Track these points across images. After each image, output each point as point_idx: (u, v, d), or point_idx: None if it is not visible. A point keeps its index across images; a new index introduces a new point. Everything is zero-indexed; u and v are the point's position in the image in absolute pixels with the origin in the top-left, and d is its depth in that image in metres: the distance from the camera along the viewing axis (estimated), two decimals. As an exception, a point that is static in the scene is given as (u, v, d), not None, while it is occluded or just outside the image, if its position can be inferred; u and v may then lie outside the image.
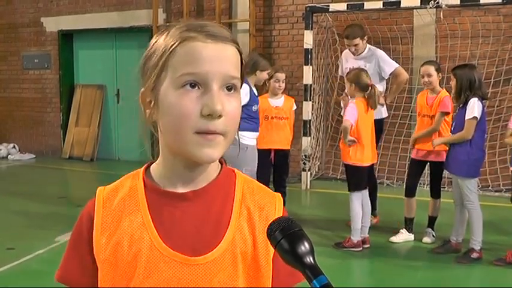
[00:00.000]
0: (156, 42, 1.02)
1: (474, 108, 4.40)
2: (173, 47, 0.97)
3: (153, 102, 1.01)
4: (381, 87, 5.36)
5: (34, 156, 10.39)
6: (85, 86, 10.28)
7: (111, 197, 1.05)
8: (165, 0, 9.17)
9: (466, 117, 4.43)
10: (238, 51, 1.02)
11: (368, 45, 5.62)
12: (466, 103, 4.45)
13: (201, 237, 1.01)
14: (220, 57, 0.97)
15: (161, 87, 0.99)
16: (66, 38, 10.27)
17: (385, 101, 5.53)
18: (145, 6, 9.25)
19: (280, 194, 1.12)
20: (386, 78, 5.58)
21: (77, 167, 9.44)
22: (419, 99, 5.08)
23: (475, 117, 4.41)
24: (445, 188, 6.11)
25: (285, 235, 0.86)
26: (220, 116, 0.95)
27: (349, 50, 5.59)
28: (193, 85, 0.96)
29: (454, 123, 4.66)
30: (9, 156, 10.37)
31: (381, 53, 5.61)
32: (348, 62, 5.67)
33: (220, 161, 1.08)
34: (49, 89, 10.44)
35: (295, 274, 0.92)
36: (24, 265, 4.50)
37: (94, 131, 10.04)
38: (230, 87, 0.98)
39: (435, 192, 5.05)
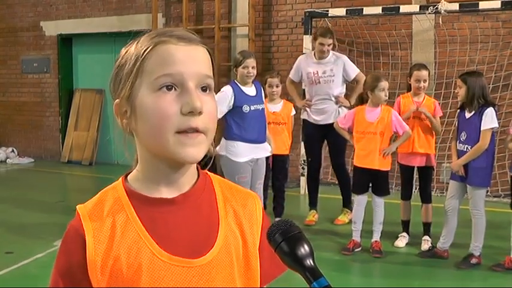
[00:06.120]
0: (127, 52, 1.03)
1: (494, 118, 4.38)
2: (146, 51, 0.98)
3: (129, 112, 1.01)
4: (343, 90, 5.75)
5: (33, 160, 10.38)
6: (84, 90, 10.28)
7: (97, 213, 1.02)
8: (164, 5, 9.18)
9: (484, 127, 4.35)
10: (208, 52, 1.03)
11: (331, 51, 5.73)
12: (478, 112, 4.39)
13: (197, 238, 1.02)
14: (193, 58, 0.99)
15: (137, 94, 0.99)
16: (66, 42, 10.28)
17: (350, 103, 5.60)
18: (144, 11, 9.26)
19: (256, 193, 1.13)
20: (349, 81, 5.81)
21: (75, 171, 9.43)
22: (405, 102, 5.01)
23: (492, 128, 4.38)
24: (444, 193, 6.09)
25: (285, 238, 0.87)
26: (200, 113, 0.96)
27: (322, 49, 5.58)
28: (169, 87, 0.97)
29: (463, 133, 4.51)
30: (7, 160, 10.36)
31: (346, 58, 5.80)
32: (311, 66, 5.73)
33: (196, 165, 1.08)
34: (48, 93, 10.44)
35: (278, 265, 0.92)
36: (23, 269, 4.50)
37: (93, 135, 10.03)
38: (205, 88, 1.00)
39: (424, 197, 5.04)
